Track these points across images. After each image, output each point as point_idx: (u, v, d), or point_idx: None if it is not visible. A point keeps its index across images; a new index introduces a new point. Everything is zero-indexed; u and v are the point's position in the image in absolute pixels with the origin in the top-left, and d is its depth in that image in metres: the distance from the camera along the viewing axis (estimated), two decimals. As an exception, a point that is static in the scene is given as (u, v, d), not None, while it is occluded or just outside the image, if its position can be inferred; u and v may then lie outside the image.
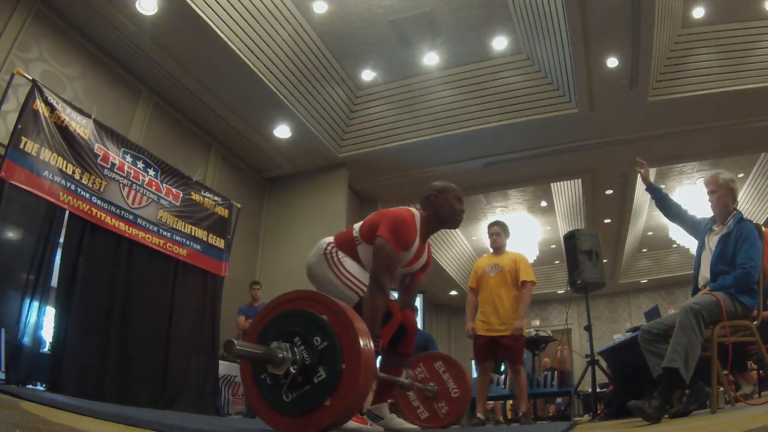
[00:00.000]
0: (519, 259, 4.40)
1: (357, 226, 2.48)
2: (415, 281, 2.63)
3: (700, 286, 2.97)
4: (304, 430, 1.53)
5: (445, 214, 2.48)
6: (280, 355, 1.52)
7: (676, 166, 8.81)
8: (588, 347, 5.04)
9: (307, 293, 1.67)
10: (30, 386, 3.73)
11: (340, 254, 2.40)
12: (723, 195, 2.99)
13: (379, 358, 2.65)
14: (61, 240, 4.25)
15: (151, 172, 5.19)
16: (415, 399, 2.96)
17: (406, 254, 2.37)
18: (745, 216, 2.98)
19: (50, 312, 4.13)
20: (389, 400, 2.56)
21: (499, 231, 4.49)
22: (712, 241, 2.96)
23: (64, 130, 4.33)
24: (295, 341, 1.56)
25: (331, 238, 2.51)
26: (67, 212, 4.26)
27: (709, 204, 3.07)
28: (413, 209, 2.46)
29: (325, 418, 1.50)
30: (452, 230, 11.22)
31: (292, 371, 1.52)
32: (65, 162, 4.28)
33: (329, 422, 1.51)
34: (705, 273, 2.92)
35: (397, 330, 2.50)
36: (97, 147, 4.62)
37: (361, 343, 1.52)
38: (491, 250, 4.58)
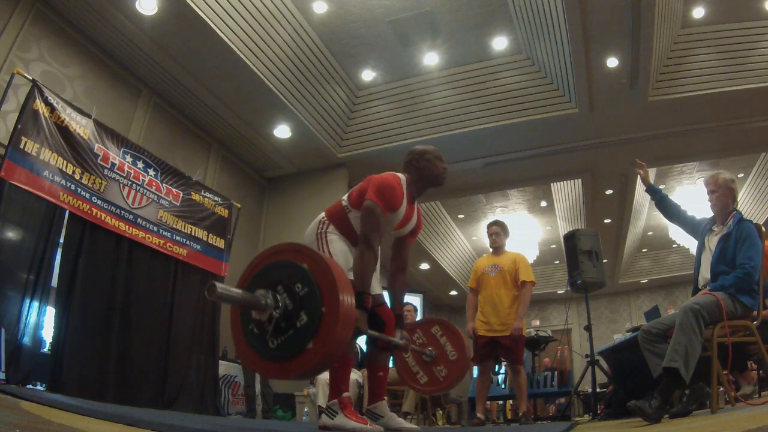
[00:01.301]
0: (519, 259, 4.40)
1: (345, 196, 2.55)
2: (406, 244, 2.69)
3: (700, 287, 2.97)
4: (290, 373, 1.61)
5: (430, 173, 2.57)
6: (263, 301, 1.59)
7: (676, 166, 8.81)
8: (588, 347, 5.04)
9: (291, 245, 1.75)
10: (30, 386, 3.73)
11: (329, 232, 2.44)
12: (722, 195, 2.99)
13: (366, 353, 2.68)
14: (61, 240, 4.26)
15: (151, 172, 5.20)
16: (415, 364, 3.00)
17: (394, 216, 2.43)
18: (745, 216, 2.98)
19: (50, 312, 4.13)
20: (385, 397, 2.56)
21: (498, 231, 4.49)
22: (712, 241, 2.96)
23: (64, 130, 4.33)
24: (278, 289, 1.63)
25: (323, 214, 2.56)
26: (67, 212, 4.27)
27: (709, 204, 3.08)
28: (399, 174, 2.53)
29: (308, 361, 1.57)
30: (452, 230, 11.23)
31: (275, 315, 1.59)
32: (65, 162, 4.29)
33: (312, 364, 1.58)
34: (705, 273, 2.92)
35: (376, 324, 2.52)
36: (97, 147, 4.63)
37: (340, 288, 1.59)
38: (491, 250, 4.58)
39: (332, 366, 1.71)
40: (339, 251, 2.41)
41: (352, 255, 2.42)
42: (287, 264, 1.68)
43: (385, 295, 2.69)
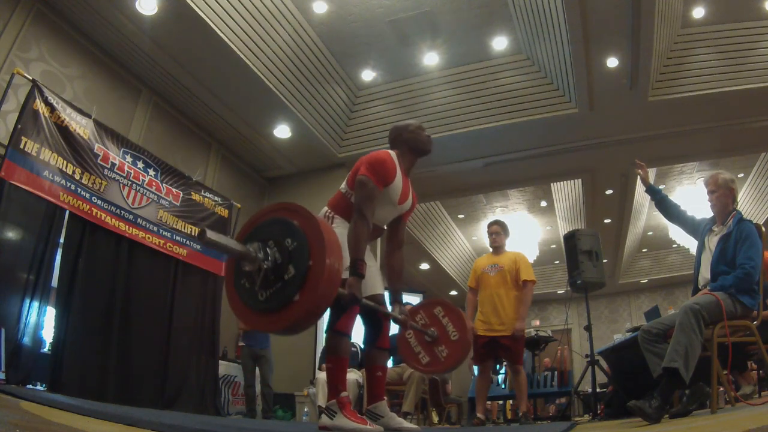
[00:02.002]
0: (519, 258, 4.40)
1: (343, 183, 2.59)
2: (402, 223, 2.74)
3: (700, 287, 2.97)
4: (277, 324, 1.68)
5: (417, 143, 2.65)
6: (253, 253, 1.66)
7: (676, 166, 8.81)
8: (588, 347, 5.04)
9: (285, 204, 1.84)
10: (30, 386, 3.73)
11: (336, 225, 2.45)
12: (722, 195, 2.99)
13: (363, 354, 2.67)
14: (61, 240, 4.26)
15: (151, 172, 5.20)
16: (417, 344, 3.02)
17: (391, 190, 2.47)
18: (745, 216, 2.98)
19: (50, 312, 4.13)
20: (384, 397, 2.56)
21: (498, 230, 4.49)
22: (712, 241, 2.96)
23: (64, 130, 4.33)
24: (269, 244, 1.71)
25: (326, 207, 2.58)
26: (67, 212, 4.27)
27: (709, 204, 3.08)
28: (389, 150, 2.60)
29: (294, 312, 1.63)
30: (452, 230, 11.24)
31: (264, 267, 1.66)
32: (65, 162, 4.29)
33: (298, 316, 1.64)
34: (705, 273, 2.92)
35: (373, 324, 2.52)
36: (97, 147, 4.63)
37: (327, 244, 1.65)
38: (491, 250, 4.58)
39: (318, 320, 1.76)
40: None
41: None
42: (279, 221, 1.76)
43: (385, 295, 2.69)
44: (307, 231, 1.69)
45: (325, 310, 1.78)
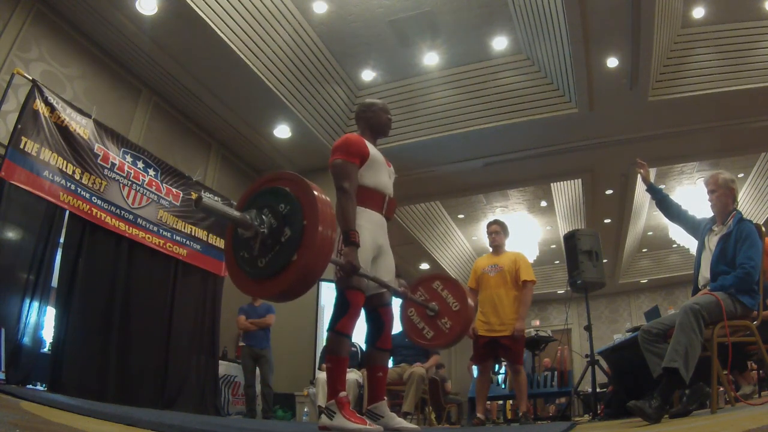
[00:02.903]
0: (519, 258, 4.39)
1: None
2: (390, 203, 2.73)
3: (700, 286, 2.97)
4: (279, 287, 1.73)
5: (376, 122, 2.73)
6: (249, 220, 1.73)
7: (676, 166, 8.81)
8: (588, 347, 5.03)
9: (277, 174, 1.92)
10: (30, 386, 3.73)
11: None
12: (722, 194, 2.98)
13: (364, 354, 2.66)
14: (61, 240, 4.25)
15: (151, 172, 5.20)
16: (420, 321, 3.04)
17: (374, 158, 2.55)
18: (745, 216, 2.98)
19: (50, 312, 4.13)
20: (384, 397, 2.56)
21: (498, 230, 4.48)
22: (712, 241, 2.96)
23: (64, 130, 4.33)
24: (264, 212, 1.77)
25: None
26: (67, 212, 4.26)
27: (709, 204, 3.07)
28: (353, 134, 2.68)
29: (294, 272, 1.69)
30: (452, 230, 11.24)
31: (261, 231, 1.72)
32: (65, 162, 4.28)
33: (297, 275, 1.69)
34: (705, 273, 2.92)
35: (375, 324, 2.52)
36: (97, 147, 4.62)
37: (318, 202, 1.73)
38: (491, 250, 4.57)
39: (316, 280, 1.79)
40: (363, 227, 2.41)
41: (373, 224, 2.48)
42: (271, 190, 1.83)
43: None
44: (298, 194, 1.76)
45: (323, 269, 1.81)
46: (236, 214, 1.74)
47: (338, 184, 2.42)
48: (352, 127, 7.42)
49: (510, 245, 4.60)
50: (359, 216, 2.41)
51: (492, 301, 4.27)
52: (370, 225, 2.47)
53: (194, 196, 1.62)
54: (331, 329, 2.35)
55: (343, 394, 2.29)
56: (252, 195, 1.88)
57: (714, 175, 3.07)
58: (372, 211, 2.51)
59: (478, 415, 4.33)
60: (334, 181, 2.46)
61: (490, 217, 10.03)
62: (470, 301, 3.01)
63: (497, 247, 4.47)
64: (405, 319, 3.07)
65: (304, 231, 1.69)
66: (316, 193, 1.75)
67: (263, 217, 1.76)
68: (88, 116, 4.63)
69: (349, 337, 2.39)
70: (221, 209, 1.72)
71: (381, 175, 2.58)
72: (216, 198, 5.99)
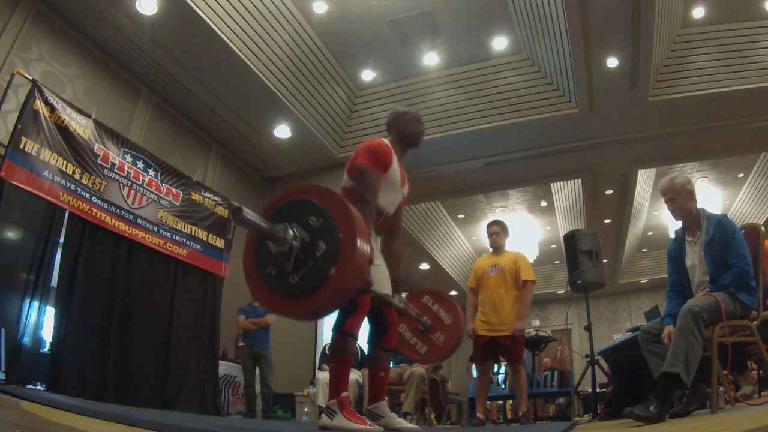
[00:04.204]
0: (519, 258, 4.40)
1: (345, 177, 2.58)
2: (399, 210, 2.74)
3: (695, 293, 2.90)
4: (312, 306, 1.61)
5: (408, 132, 2.68)
6: (282, 234, 1.61)
7: (676, 166, 8.80)
8: (588, 347, 5.03)
9: (300, 186, 1.80)
10: (30, 386, 3.73)
11: None
12: (684, 200, 2.83)
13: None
14: (61, 240, 4.25)
15: (151, 172, 5.20)
16: (412, 336, 3.03)
17: (391, 173, 2.49)
18: (745, 216, 2.95)
19: (50, 312, 4.13)
20: (385, 398, 2.56)
21: (498, 230, 4.48)
22: (694, 251, 2.86)
23: (64, 130, 4.33)
24: (293, 225, 1.66)
25: None
26: (67, 212, 4.26)
27: (671, 213, 2.91)
28: (383, 138, 2.63)
29: (330, 289, 1.57)
30: (452, 230, 11.23)
31: (296, 244, 1.61)
32: (65, 162, 4.28)
33: (334, 292, 1.58)
34: (700, 278, 2.87)
35: (379, 325, 2.52)
36: (97, 147, 4.62)
37: (352, 213, 1.64)
38: (491, 250, 4.58)
39: (349, 298, 1.75)
40: None
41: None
42: (297, 203, 1.72)
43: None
44: (329, 206, 1.66)
45: (358, 286, 1.74)
46: (272, 228, 1.62)
47: (361, 193, 2.35)
48: (352, 127, 7.43)
49: (510, 245, 4.60)
50: None
51: (492, 301, 4.27)
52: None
53: (233, 208, 1.55)
54: (337, 328, 2.34)
55: (345, 394, 2.29)
56: (275, 208, 1.75)
57: (669, 181, 2.88)
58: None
59: (478, 415, 4.33)
60: (356, 184, 2.40)
61: (490, 217, 10.03)
62: (461, 313, 3.01)
63: (498, 248, 4.48)
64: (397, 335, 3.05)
65: (341, 244, 1.59)
66: (348, 204, 1.67)
67: (293, 231, 1.65)
68: (88, 116, 4.63)
69: (356, 337, 2.38)
70: (258, 223, 1.61)
71: (387, 195, 2.51)
72: (216, 198, 6.00)
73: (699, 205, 2.92)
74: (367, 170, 2.38)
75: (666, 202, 2.93)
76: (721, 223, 2.77)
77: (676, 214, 2.91)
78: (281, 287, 1.65)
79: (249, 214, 1.54)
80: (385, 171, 2.45)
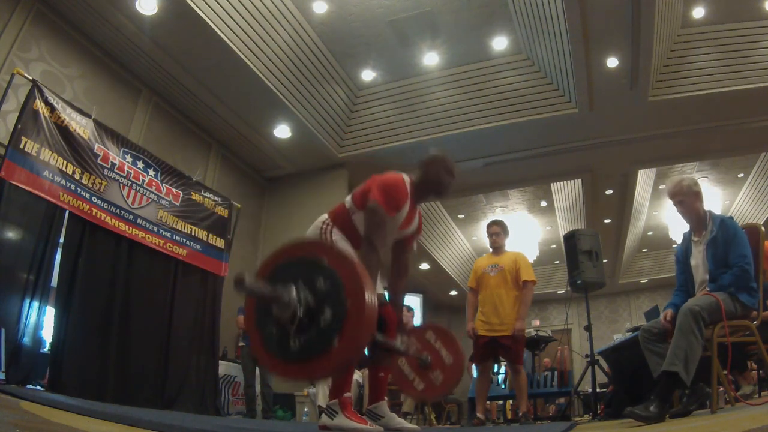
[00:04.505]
0: (519, 258, 4.40)
1: (348, 197, 2.49)
2: (406, 248, 2.63)
3: (698, 293, 2.92)
4: (310, 373, 1.55)
5: (431, 182, 2.49)
6: (286, 297, 1.51)
7: (676, 166, 8.81)
8: (588, 347, 5.03)
9: (300, 242, 1.69)
10: (30, 386, 3.73)
11: (335, 233, 2.40)
12: (692, 201, 2.88)
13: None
14: (61, 240, 4.25)
15: (151, 172, 5.20)
16: (411, 371, 2.97)
17: (397, 216, 2.38)
18: (745, 216, 2.96)
19: (50, 312, 4.13)
20: (385, 398, 2.56)
21: (498, 230, 4.49)
22: (699, 250, 2.90)
23: (64, 130, 4.33)
24: (298, 285, 1.55)
25: (326, 215, 2.50)
26: (67, 212, 4.26)
27: (680, 214, 2.95)
28: (404, 174, 2.47)
29: (331, 361, 1.49)
30: (452, 230, 11.23)
31: (300, 309, 1.51)
32: (65, 162, 4.29)
33: (337, 364, 1.50)
34: (703, 277, 2.88)
35: (380, 327, 2.51)
36: (97, 147, 4.63)
37: (363, 279, 1.51)
38: (491, 250, 4.58)
39: (349, 369, 1.68)
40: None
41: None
42: (302, 260, 1.60)
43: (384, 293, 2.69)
44: (338, 268, 1.53)
45: (360, 357, 1.64)
46: (276, 293, 1.52)
47: (368, 235, 2.26)
48: (352, 127, 7.43)
49: (510, 245, 4.60)
50: (344, 242, 2.35)
51: (492, 301, 4.27)
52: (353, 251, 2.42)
53: (234, 278, 1.47)
54: None
55: (347, 394, 2.29)
56: (279, 264, 1.65)
57: (677, 184, 2.92)
58: (353, 248, 2.38)
59: (478, 415, 4.33)
60: (365, 222, 2.30)
61: (490, 217, 10.03)
62: (463, 354, 2.93)
63: (498, 248, 4.48)
64: (394, 369, 2.97)
65: (348, 315, 1.48)
66: (358, 266, 1.55)
67: (299, 293, 1.53)
68: (88, 116, 4.63)
69: None
70: (263, 290, 1.53)
71: (389, 234, 2.41)
72: (216, 198, 6.00)
73: (706, 207, 2.96)
74: (378, 210, 2.26)
75: (675, 204, 2.96)
76: (724, 223, 2.81)
77: (685, 215, 2.94)
78: (281, 351, 1.56)
79: (252, 283, 1.47)
80: (395, 213, 2.34)
